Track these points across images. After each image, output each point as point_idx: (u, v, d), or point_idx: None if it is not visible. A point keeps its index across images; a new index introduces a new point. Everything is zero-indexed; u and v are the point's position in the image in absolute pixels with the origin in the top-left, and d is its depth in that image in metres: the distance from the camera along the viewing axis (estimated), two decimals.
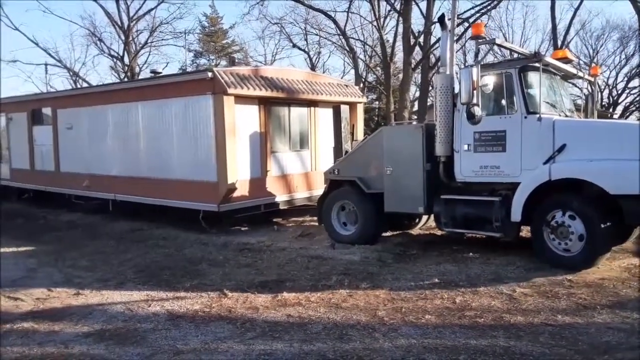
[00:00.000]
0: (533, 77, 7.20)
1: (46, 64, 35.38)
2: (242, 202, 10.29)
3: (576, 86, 8.87)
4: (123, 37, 33.39)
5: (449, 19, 7.88)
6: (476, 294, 5.92)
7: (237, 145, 10.07)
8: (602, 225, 6.39)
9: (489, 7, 21.26)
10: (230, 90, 9.69)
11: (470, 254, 7.64)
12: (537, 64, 7.07)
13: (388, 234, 9.40)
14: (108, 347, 4.76)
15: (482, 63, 7.12)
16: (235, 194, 10.03)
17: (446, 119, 7.56)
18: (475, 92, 6.66)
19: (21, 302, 6.24)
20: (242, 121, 10.24)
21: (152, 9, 33.36)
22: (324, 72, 38.19)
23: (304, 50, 37.67)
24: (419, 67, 23.26)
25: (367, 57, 36.09)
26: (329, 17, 27.66)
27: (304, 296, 6.06)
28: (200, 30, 42.63)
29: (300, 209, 11.85)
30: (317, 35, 34.69)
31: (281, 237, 9.75)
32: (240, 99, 10.06)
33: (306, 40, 36.72)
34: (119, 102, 12.04)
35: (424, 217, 9.12)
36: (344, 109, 10.11)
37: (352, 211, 8.98)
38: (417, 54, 23.82)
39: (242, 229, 10.67)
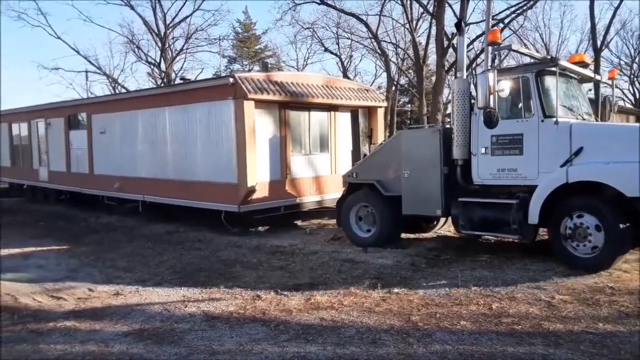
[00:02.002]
0: (550, 81, 7.18)
1: (86, 71, 36.67)
2: (262, 204, 10.47)
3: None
4: (160, 44, 34.31)
5: (465, 25, 7.91)
6: (513, 300, 5.80)
7: (257, 148, 10.26)
8: (621, 226, 6.36)
9: (524, 8, 20.88)
10: (251, 95, 9.90)
11: (507, 259, 7.50)
12: (553, 68, 7.05)
13: (421, 237, 9.33)
14: (147, 347, 4.88)
15: (498, 68, 7.17)
16: (255, 195, 10.22)
17: (463, 123, 7.60)
18: (492, 96, 6.69)
19: (64, 301, 6.46)
20: (262, 125, 10.46)
21: (187, 17, 34.28)
22: (355, 76, 38.25)
23: (335, 54, 37.89)
24: (452, 69, 22.99)
25: (399, 59, 35.94)
26: (361, 20, 27.73)
27: (336, 299, 6.06)
28: (234, 36, 43.43)
29: (319, 210, 11.92)
30: (348, 39, 34.87)
31: (313, 240, 9.79)
32: (261, 103, 10.27)
33: (338, 44, 36.96)
34: (147, 108, 12.43)
35: (442, 220, 9.09)
36: (362, 113, 10.13)
37: (370, 213, 9.01)
38: (451, 55, 23.56)
39: (274, 232, 10.76)
